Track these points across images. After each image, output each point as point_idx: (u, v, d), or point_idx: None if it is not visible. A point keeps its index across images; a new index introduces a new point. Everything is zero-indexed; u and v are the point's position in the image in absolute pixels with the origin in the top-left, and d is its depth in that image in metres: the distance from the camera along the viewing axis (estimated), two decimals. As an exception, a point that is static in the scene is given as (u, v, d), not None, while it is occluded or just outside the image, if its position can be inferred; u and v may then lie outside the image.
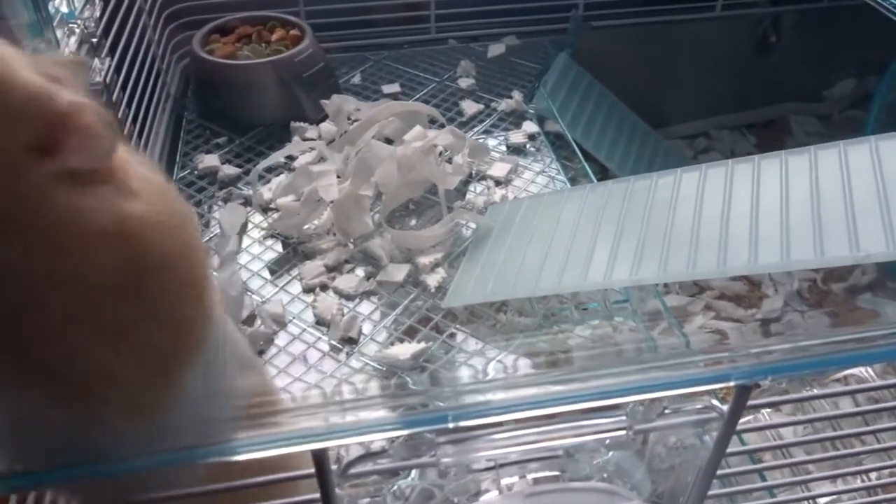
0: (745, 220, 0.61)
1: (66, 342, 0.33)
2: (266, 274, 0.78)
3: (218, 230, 0.83)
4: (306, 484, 0.34)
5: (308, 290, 0.75)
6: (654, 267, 0.62)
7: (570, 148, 0.94)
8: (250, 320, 0.72)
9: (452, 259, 0.78)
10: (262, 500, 0.34)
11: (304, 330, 0.71)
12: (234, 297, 0.71)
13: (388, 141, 0.89)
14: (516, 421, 0.34)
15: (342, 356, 0.68)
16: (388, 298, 0.74)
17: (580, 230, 0.71)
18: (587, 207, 0.73)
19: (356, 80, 1.11)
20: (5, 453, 0.35)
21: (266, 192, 0.87)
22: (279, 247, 0.81)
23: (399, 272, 0.75)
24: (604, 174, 1.08)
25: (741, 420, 0.35)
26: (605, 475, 0.39)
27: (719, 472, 0.38)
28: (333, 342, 0.70)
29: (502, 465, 0.37)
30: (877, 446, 0.47)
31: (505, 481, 0.38)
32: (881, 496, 0.47)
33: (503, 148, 0.96)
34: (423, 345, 0.67)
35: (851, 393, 0.57)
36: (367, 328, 0.71)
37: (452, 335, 0.70)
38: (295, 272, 0.77)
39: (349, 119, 0.94)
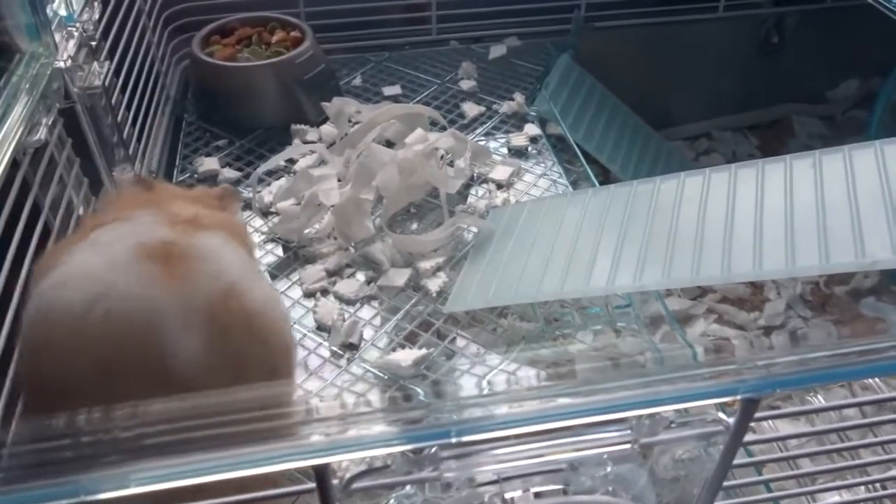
0: (750, 226, 0.60)
1: None
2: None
3: (218, 234, 0.82)
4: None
5: (308, 294, 0.75)
6: (658, 273, 0.61)
7: (572, 151, 0.93)
8: (251, 325, 0.71)
9: (454, 263, 0.77)
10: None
11: (304, 335, 0.71)
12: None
13: (390, 144, 0.89)
14: (520, 434, 0.34)
15: (343, 362, 0.68)
16: (390, 303, 0.73)
17: (582, 235, 0.70)
18: (590, 212, 0.73)
19: (357, 81, 1.10)
20: None
21: (266, 195, 0.86)
22: (279, 251, 0.81)
23: (400, 277, 0.75)
24: (606, 177, 1.07)
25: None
26: (609, 488, 0.38)
27: (725, 483, 0.38)
28: (334, 348, 0.69)
29: (505, 479, 0.36)
30: (884, 457, 0.47)
31: (508, 495, 0.37)
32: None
33: (505, 151, 0.96)
34: (424, 351, 0.67)
35: (859, 405, 0.56)
36: (368, 333, 0.71)
37: (454, 340, 0.69)
38: (295, 277, 0.77)
39: (350, 121, 0.94)
